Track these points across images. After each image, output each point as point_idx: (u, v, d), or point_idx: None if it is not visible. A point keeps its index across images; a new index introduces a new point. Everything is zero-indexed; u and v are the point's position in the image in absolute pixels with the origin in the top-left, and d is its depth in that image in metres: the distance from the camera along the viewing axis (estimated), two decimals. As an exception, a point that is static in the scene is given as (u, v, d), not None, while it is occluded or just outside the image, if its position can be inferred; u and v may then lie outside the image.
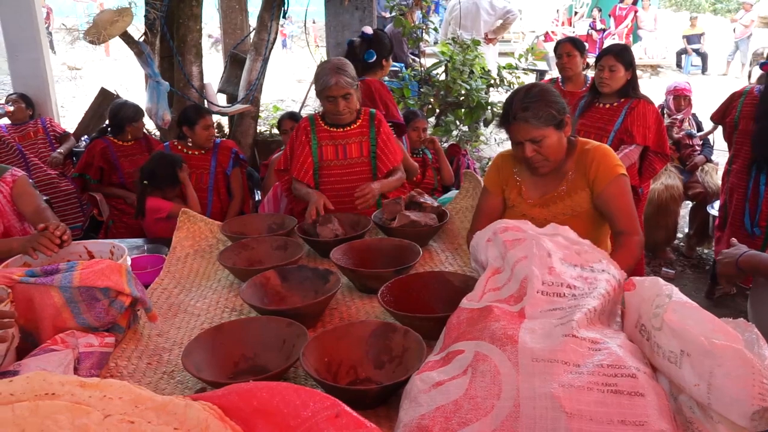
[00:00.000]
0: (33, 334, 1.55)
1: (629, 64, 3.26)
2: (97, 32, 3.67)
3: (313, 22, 13.55)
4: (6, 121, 4.75)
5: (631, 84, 3.28)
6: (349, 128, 2.70)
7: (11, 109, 4.62)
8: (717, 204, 4.01)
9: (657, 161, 3.33)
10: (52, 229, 1.94)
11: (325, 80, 2.56)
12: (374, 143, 2.71)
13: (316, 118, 2.75)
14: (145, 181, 3.21)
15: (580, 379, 1.06)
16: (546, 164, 2.03)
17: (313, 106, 7.08)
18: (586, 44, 4.60)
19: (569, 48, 3.79)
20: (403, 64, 6.18)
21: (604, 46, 12.71)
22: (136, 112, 3.98)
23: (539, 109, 1.93)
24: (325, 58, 5.00)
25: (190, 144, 3.54)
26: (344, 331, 1.51)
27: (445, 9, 7.84)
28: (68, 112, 8.60)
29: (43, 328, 1.54)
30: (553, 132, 1.97)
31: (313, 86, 2.73)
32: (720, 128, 4.51)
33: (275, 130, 5.55)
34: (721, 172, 4.64)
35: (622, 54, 3.26)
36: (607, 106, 3.31)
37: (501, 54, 8.11)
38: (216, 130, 6.46)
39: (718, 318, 1.17)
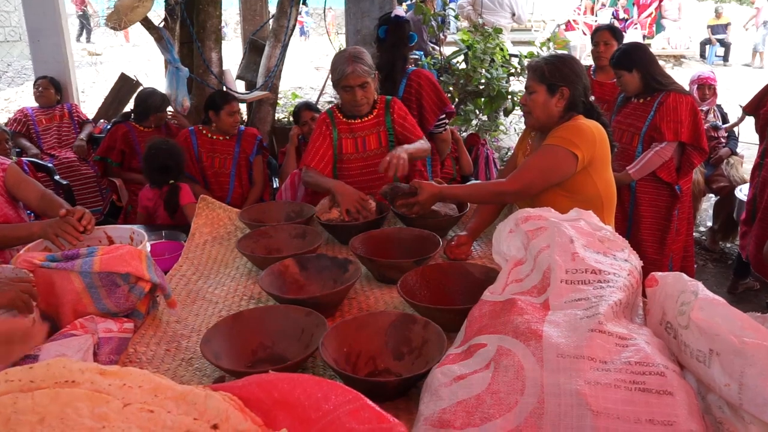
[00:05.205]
0: (53, 319, 1.56)
1: (630, 67, 3.12)
2: (118, 18, 3.68)
3: (331, 9, 13.50)
4: (34, 104, 4.82)
5: (650, 79, 3.13)
6: (366, 119, 2.64)
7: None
8: (745, 187, 3.89)
9: (695, 156, 3.20)
10: (77, 215, 1.91)
11: (341, 69, 2.48)
12: (391, 130, 2.65)
13: (334, 110, 2.70)
14: (171, 181, 3.18)
15: (606, 376, 1.04)
16: (529, 117, 2.17)
17: (331, 93, 7.06)
18: (625, 34, 4.48)
19: (607, 36, 3.69)
20: (422, 52, 6.12)
21: (626, 35, 12.55)
22: (163, 102, 4.03)
23: (539, 66, 2.11)
24: (344, 46, 4.96)
25: (213, 128, 3.54)
26: (363, 322, 1.50)
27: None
28: (88, 97, 8.66)
29: (64, 313, 1.55)
30: (543, 91, 2.09)
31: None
32: (745, 120, 4.45)
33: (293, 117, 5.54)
34: (746, 165, 4.56)
35: (620, 61, 3.16)
36: (641, 101, 3.20)
37: (522, 42, 8.02)
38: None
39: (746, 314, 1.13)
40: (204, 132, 3.56)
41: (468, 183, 3.14)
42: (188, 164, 3.48)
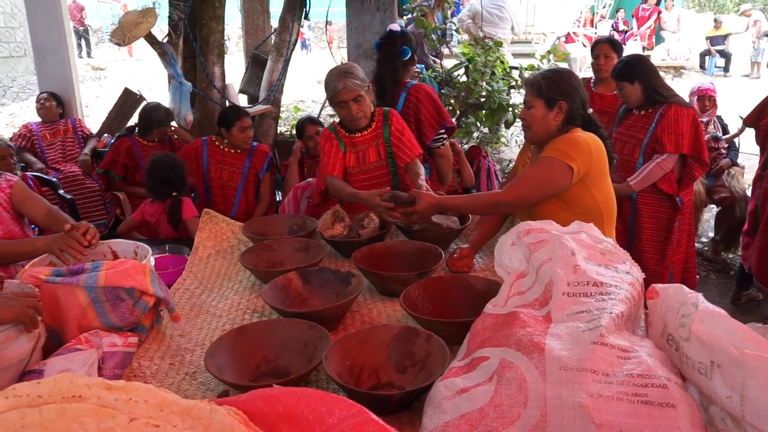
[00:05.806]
0: (58, 334, 1.57)
1: (632, 79, 3.13)
2: (123, 34, 3.71)
3: (330, 23, 13.60)
4: (38, 119, 4.85)
5: (651, 91, 3.14)
6: (366, 132, 2.66)
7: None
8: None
9: (696, 168, 3.20)
10: (82, 230, 1.93)
11: (333, 86, 2.51)
12: (389, 142, 2.66)
13: (335, 125, 2.73)
14: (174, 194, 3.20)
15: (609, 388, 1.04)
16: (528, 131, 2.19)
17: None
18: (624, 46, 4.51)
19: (607, 49, 3.71)
20: (423, 65, 6.16)
21: (626, 47, 12.61)
22: (166, 116, 4.06)
23: (536, 81, 2.12)
24: (346, 59, 5.00)
25: (226, 142, 3.57)
26: (366, 335, 1.50)
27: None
28: (92, 111, 8.71)
29: (69, 328, 1.56)
30: (541, 106, 2.10)
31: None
32: (745, 130, 4.45)
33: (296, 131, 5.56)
34: (747, 176, 4.57)
35: (622, 72, 3.17)
36: (642, 113, 3.21)
37: (522, 55, 8.08)
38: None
39: (747, 325, 1.13)
40: (216, 143, 3.59)
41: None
42: (192, 174, 3.50)
